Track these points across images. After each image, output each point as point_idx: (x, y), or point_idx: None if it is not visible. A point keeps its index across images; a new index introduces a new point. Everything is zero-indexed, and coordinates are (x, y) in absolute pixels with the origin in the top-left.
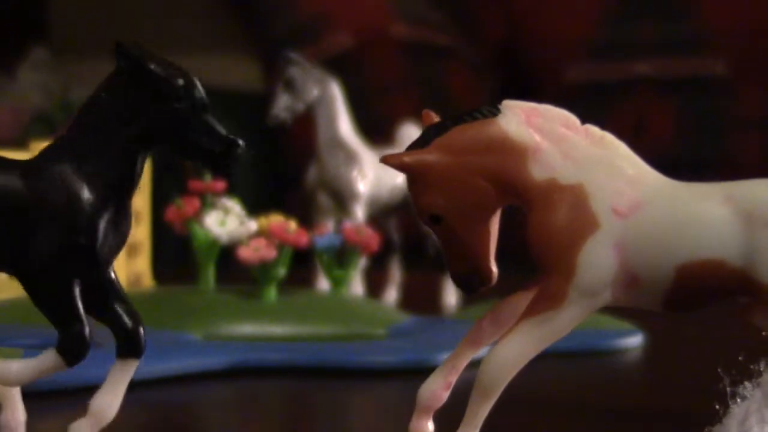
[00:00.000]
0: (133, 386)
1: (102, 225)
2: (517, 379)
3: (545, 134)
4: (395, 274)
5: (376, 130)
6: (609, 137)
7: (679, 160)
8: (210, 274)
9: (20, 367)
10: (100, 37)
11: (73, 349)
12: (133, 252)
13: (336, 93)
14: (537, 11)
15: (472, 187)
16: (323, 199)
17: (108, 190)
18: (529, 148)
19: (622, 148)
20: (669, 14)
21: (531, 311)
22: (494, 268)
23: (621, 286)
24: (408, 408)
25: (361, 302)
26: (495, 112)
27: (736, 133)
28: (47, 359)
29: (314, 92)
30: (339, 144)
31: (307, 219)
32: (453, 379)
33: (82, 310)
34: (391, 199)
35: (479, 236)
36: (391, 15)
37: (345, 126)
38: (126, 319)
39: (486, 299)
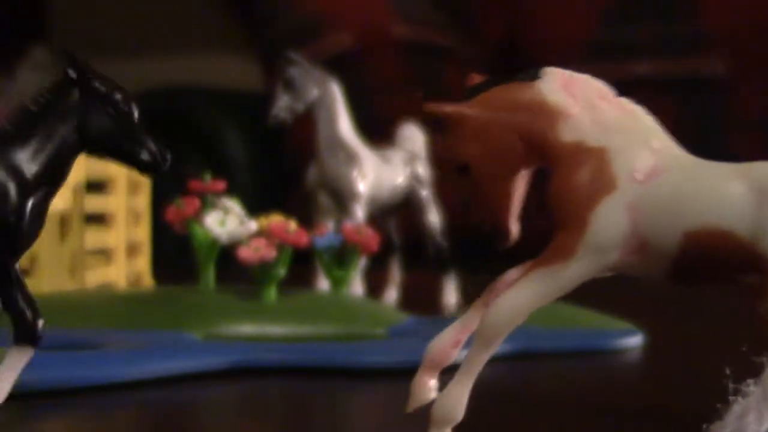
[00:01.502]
0: (133, 386)
1: (28, 211)
2: (518, 379)
3: (580, 101)
4: (395, 274)
5: (376, 130)
6: (640, 111)
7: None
8: (210, 274)
9: None
10: (100, 37)
11: (33, 332)
12: (133, 252)
13: (336, 93)
14: (537, 11)
15: (503, 143)
16: (323, 199)
17: (38, 182)
18: (563, 111)
19: (650, 121)
20: (669, 14)
21: (539, 263)
22: (515, 228)
23: (630, 249)
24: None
25: (361, 302)
26: (536, 75)
27: (736, 133)
28: (18, 353)
29: (314, 92)
30: (339, 144)
31: (307, 219)
32: (463, 337)
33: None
34: (391, 199)
35: (504, 192)
36: (391, 15)
37: (345, 126)
38: (27, 310)
39: None
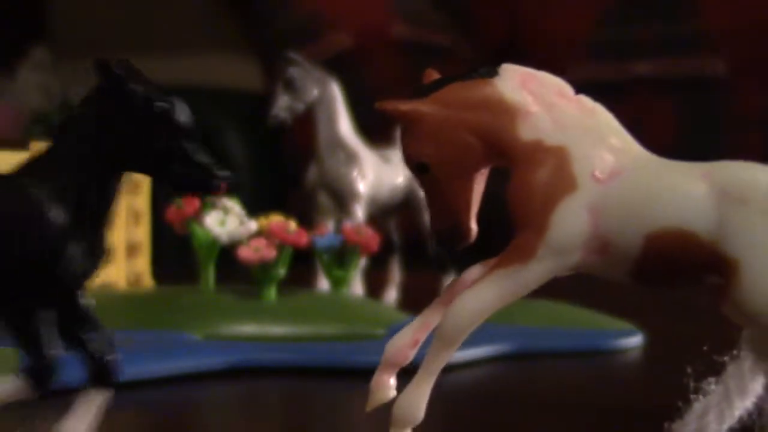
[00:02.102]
0: (133, 386)
1: (69, 246)
2: (518, 379)
3: (538, 99)
4: (395, 274)
5: (376, 130)
6: (600, 109)
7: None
8: (210, 274)
9: None
10: (100, 37)
11: (40, 376)
12: (133, 252)
13: (336, 93)
14: (537, 12)
15: (460, 142)
16: (323, 199)
17: (79, 212)
18: (521, 109)
19: (610, 120)
20: (669, 14)
21: (500, 264)
22: (474, 226)
23: (591, 249)
24: None
25: (361, 302)
26: (493, 73)
27: (736, 133)
28: (15, 385)
29: (314, 92)
30: (339, 144)
31: (307, 219)
32: (421, 337)
33: (49, 336)
34: (391, 199)
35: (462, 191)
36: (391, 15)
37: (345, 126)
38: (95, 347)
39: None
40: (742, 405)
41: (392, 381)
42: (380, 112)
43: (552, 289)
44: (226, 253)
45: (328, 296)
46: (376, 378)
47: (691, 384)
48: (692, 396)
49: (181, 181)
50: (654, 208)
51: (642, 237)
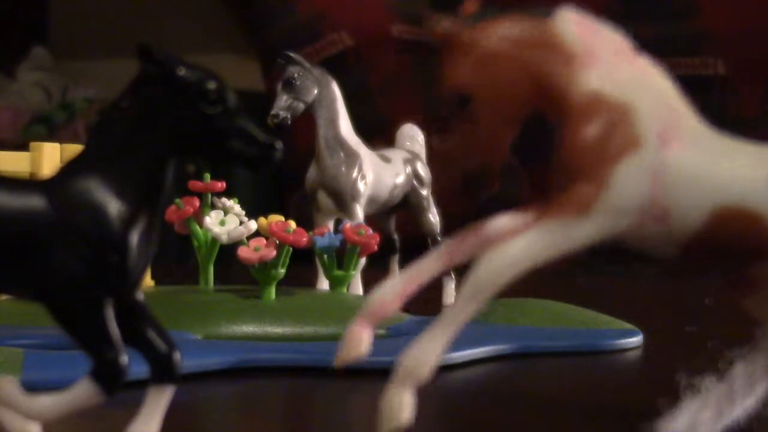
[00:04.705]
0: (133, 386)
1: (133, 241)
2: (518, 379)
3: (597, 48)
4: (395, 274)
5: (376, 130)
6: (661, 73)
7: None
8: (210, 274)
9: (50, 402)
10: (100, 38)
11: (109, 377)
12: None
13: (336, 93)
14: None
15: (512, 78)
16: (323, 199)
17: (137, 203)
18: (581, 57)
19: (671, 85)
20: (669, 14)
21: (549, 213)
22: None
23: (650, 216)
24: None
25: (361, 302)
26: (550, 13)
27: (736, 133)
28: (81, 390)
29: (314, 92)
30: (339, 144)
31: (307, 219)
32: (411, 290)
33: (116, 334)
34: (391, 199)
35: (500, 132)
36: (391, 15)
37: (345, 126)
38: (159, 343)
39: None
40: (744, 406)
41: (367, 335)
42: (430, 35)
43: (552, 289)
44: (226, 253)
45: (328, 296)
46: (351, 329)
47: (683, 381)
48: (685, 393)
49: (242, 158)
50: (724, 185)
51: (707, 211)
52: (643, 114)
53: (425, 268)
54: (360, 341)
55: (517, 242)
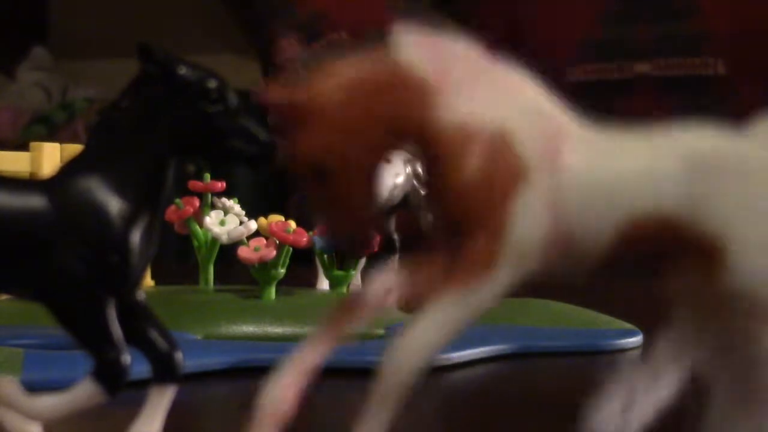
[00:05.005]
0: (133, 386)
1: (134, 240)
2: (518, 379)
3: (451, 68)
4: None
5: None
6: (527, 81)
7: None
8: (210, 274)
9: (51, 402)
10: (100, 38)
11: (111, 377)
12: None
13: None
14: (537, 11)
15: (366, 133)
16: None
17: (137, 203)
18: (434, 83)
19: (542, 93)
20: (669, 14)
21: (451, 283)
22: (373, 235)
23: (555, 247)
24: (407, 408)
25: None
26: (383, 39)
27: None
28: (83, 390)
29: None
30: None
31: (307, 219)
32: (302, 383)
33: (118, 334)
34: (391, 199)
35: (367, 189)
36: (391, 15)
37: None
38: (160, 342)
39: None
40: (670, 383)
41: (294, 391)
42: (263, 106)
43: (552, 289)
44: (226, 253)
45: (328, 296)
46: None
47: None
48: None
49: (243, 157)
50: (622, 194)
51: (612, 227)
52: (522, 136)
53: (308, 357)
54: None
55: (426, 326)
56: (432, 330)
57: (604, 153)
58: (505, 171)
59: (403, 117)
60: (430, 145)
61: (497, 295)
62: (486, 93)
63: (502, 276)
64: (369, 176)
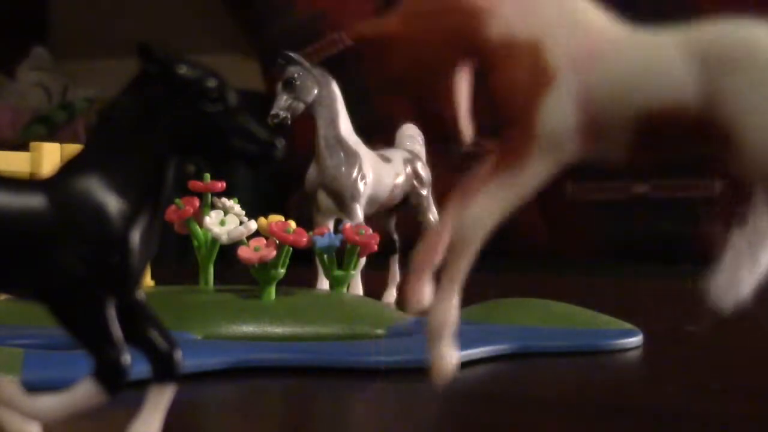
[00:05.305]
0: (133, 386)
1: (134, 240)
2: (518, 379)
3: None
4: (395, 274)
5: (376, 130)
6: None
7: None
8: (210, 274)
9: (51, 402)
10: (100, 38)
11: (111, 376)
12: None
13: (336, 93)
14: None
15: (434, 51)
16: (323, 199)
17: (137, 202)
18: (484, 6)
19: (582, 3)
20: (669, 14)
21: (496, 170)
22: (468, 127)
23: (585, 138)
24: (407, 408)
25: (361, 302)
26: None
27: None
28: (83, 390)
29: (314, 92)
30: (339, 144)
31: (307, 219)
32: (446, 235)
33: (118, 334)
34: (391, 199)
35: (446, 93)
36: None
37: (345, 126)
38: (160, 342)
39: (485, 299)
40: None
41: (429, 288)
42: (356, 41)
43: (552, 289)
44: (226, 253)
45: (328, 296)
46: (410, 285)
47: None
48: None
49: (242, 156)
50: (639, 89)
51: (632, 119)
52: (553, 45)
53: (445, 220)
54: (423, 296)
55: (478, 205)
56: (486, 208)
57: (630, 51)
58: (533, 77)
59: (462, 35)
60: (484, 57)
61: (537, 178)
62: (527, 7)
63: (540, 163)
64: (449, 83)
